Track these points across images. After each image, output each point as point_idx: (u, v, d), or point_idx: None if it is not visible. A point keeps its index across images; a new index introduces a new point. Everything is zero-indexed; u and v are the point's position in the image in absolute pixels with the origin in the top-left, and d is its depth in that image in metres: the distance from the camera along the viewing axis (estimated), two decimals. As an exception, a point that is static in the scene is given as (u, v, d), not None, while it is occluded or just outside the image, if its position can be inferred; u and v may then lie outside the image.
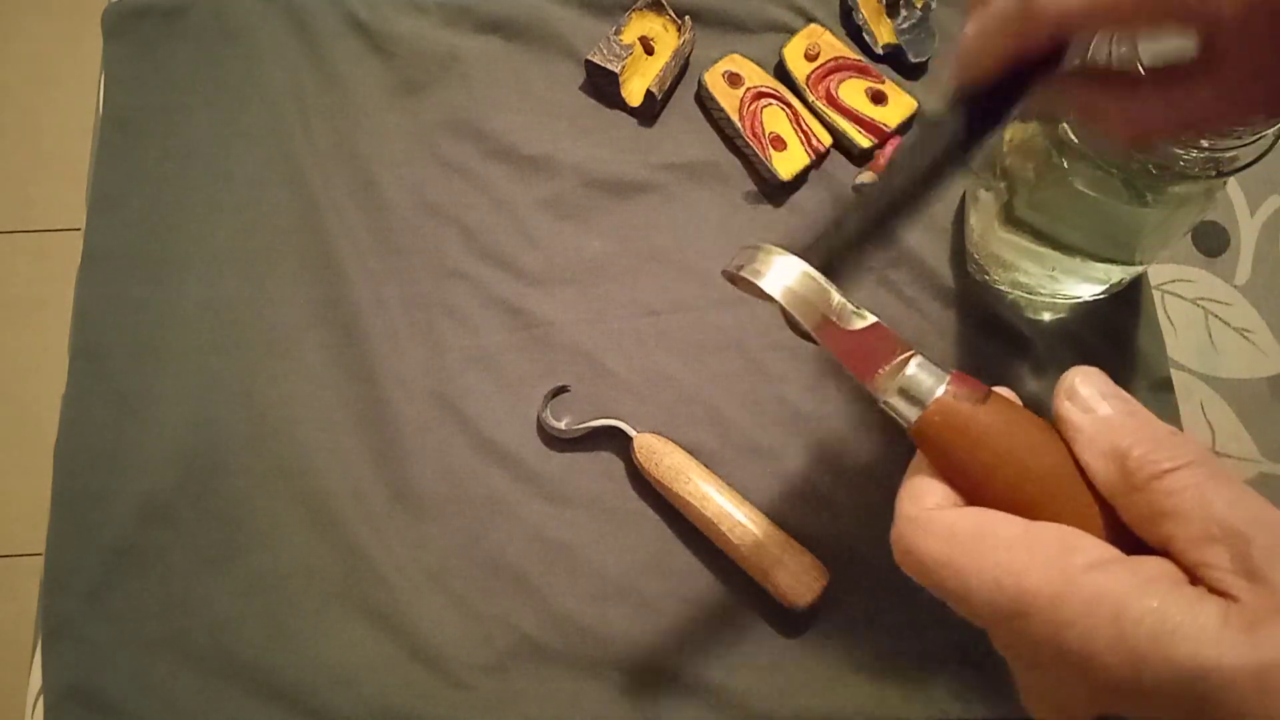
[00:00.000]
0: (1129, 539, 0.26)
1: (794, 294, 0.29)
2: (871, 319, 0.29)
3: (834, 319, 0.29)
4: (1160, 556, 0.25)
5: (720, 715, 0.46)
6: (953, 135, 0.32)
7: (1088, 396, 0.27)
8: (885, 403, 0.29)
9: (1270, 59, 0.27)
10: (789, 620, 0.47)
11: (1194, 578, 0.24)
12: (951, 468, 0.28)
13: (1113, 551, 0.25)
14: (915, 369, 0.28)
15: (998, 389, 0.29)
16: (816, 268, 0.30)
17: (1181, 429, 0.51)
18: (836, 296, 0.29)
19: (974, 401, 0.27)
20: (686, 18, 0.55)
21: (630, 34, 0.55)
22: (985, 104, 0.32)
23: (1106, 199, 0.41)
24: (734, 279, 0.31)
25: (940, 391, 0.28)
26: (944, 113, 0.32)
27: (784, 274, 0.29)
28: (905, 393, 0.28)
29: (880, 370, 0.29)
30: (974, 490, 0.28)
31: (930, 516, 0.27)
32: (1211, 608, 0.23)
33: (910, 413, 0.28)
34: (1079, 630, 0.24)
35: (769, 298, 0.29)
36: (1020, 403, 0.29)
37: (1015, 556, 0.25)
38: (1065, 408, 0.27)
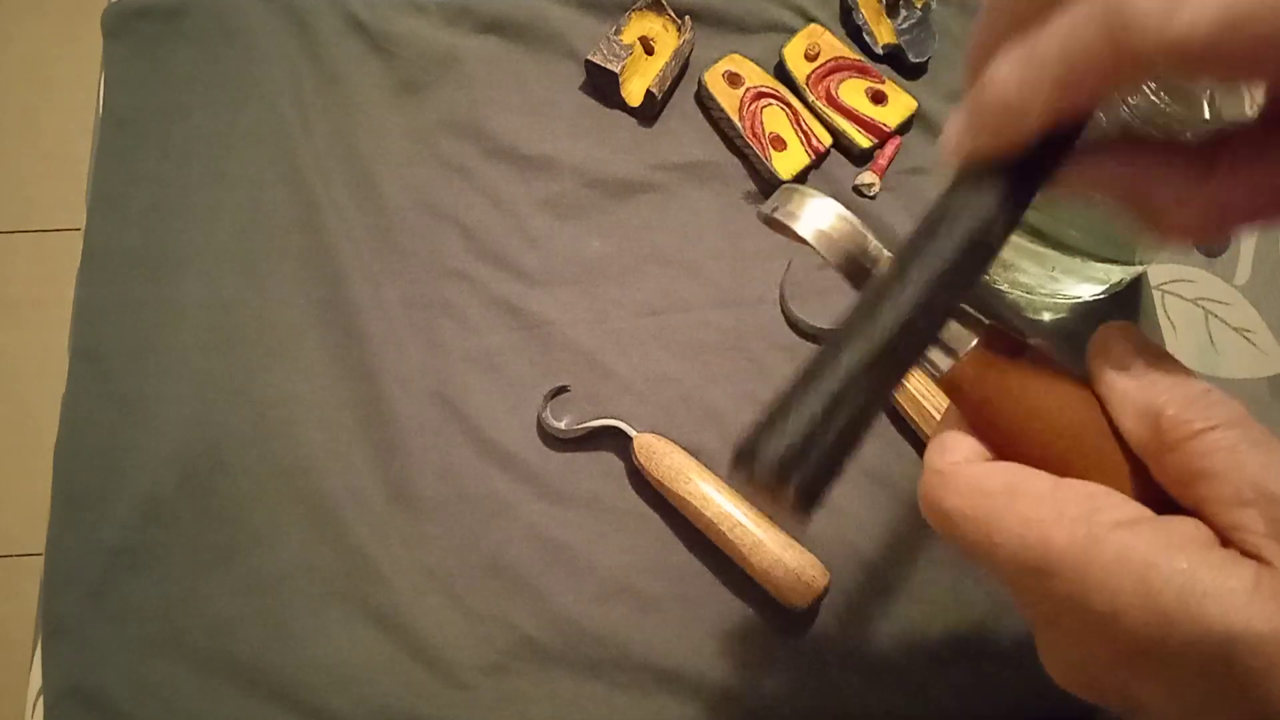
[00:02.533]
0: (1162, 499, 0.25)
1: (826, 236, 0.28)
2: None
3: (868, 265, 0.28)
4: (1193, 517, 0.24)
5: (720, 715, 0.46)
6: (982, 222, 0.24)
7: (1121, 354, 0.26)
8: None
9: None
10: (789, 620, 0.47)
11: (1226, 540, 0.24)
12: (982, 421, 0.27)
13: (1143, 511, 0.24)
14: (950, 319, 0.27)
15: (1035, 342, 0.28)
16: (816, 432, 0.24)
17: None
18: (873, 241, 0.28)
19: (1008, 354, 0.27)
20: (686, 18, 0.55)
21: (630, 34, 0.55)
22: (1020, 175, 0.24)
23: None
24: (769, 221, 0.30)
25: (974, 343, 0.27)
26: (958, 195, 0.25)
27: (818, 216, 0.28)
28: (939, 342, 0.27)
29: None
30: (1004, 445, 0.27)
31: (958, 470, 0.26)
32: (1243, 571, 0.22)
33: (943, 363, 0.27)
34: (1105, 589, 0.23)
35: (803, 240, 0.28)
36: (1056, 356, 0.28)
37: (1042, 513, 0.24)
38: (1098, 365, 0.26)
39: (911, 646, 0.47)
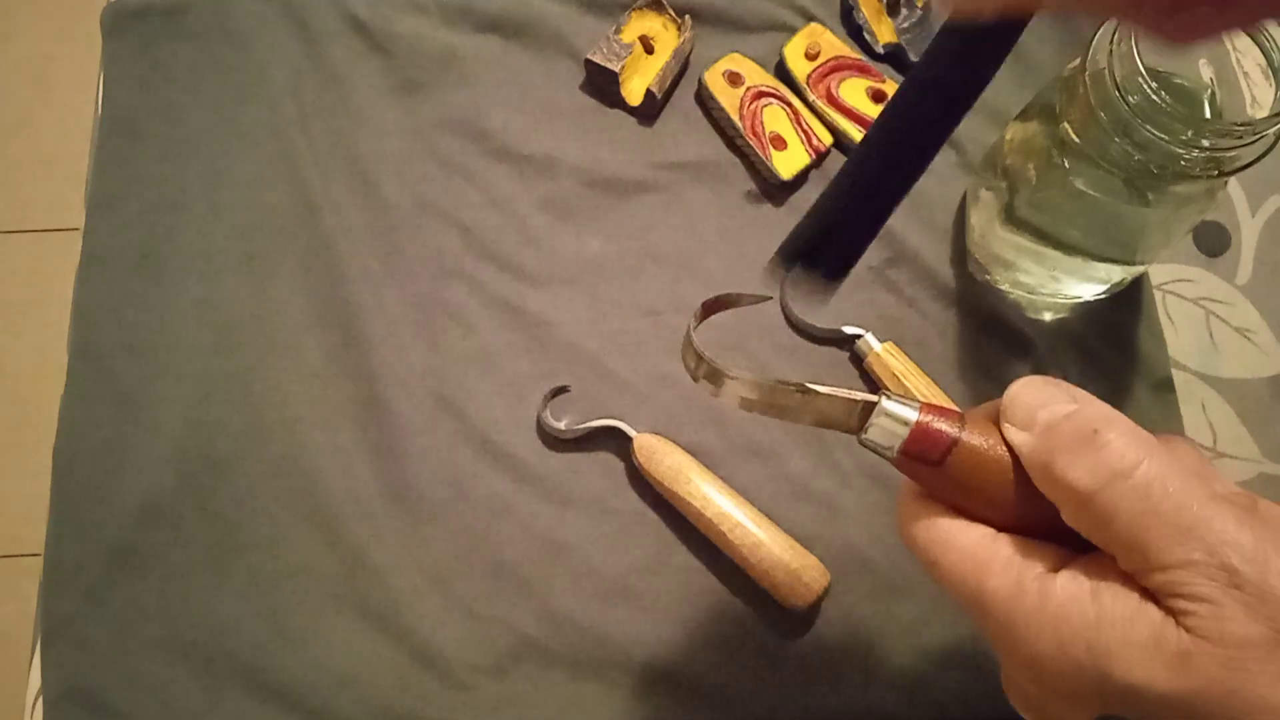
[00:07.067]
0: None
1: (750, 401, 0.30)
2: (826, 390, 0.29)
3: (802, 392, 0.30)
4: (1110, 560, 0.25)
5: (721, 715, 0.46)
6: (950, 78, 0.27)
7: (1025, 412, 0.27)
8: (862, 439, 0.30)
9: None
10: (789, 620, 0.47)
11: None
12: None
13: (1067, 555, 0.26)
14: (872, 428, 0.29)
15: (971, 416, 0.29)
16: (799, 264, 0.31)
17: (1183, 430, 0.51)
18: (797, 381, 0.30)
19: (932, 461, 0.28)
20: (686, 17, 0.55)
21: (630, 33, 0.55)
22: (988, 37, 0.26)
23: (1108, 199, 0.41)
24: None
25: (905, 436, 0.28)
26: (934, 55, 0.27)
27: (736, 390, 0.30)
28: (873, 445, 0.29)
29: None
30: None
31: (912, 506, 0.29)
32: (1143, 627, 0.23)
33: (883, 453, 0.29)
34: (1024, 635, 0.25)
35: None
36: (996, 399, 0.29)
37: (980, 553, 0.27)
38: (1007, 430, 0.28)
39: (911, 646, 0.47)
